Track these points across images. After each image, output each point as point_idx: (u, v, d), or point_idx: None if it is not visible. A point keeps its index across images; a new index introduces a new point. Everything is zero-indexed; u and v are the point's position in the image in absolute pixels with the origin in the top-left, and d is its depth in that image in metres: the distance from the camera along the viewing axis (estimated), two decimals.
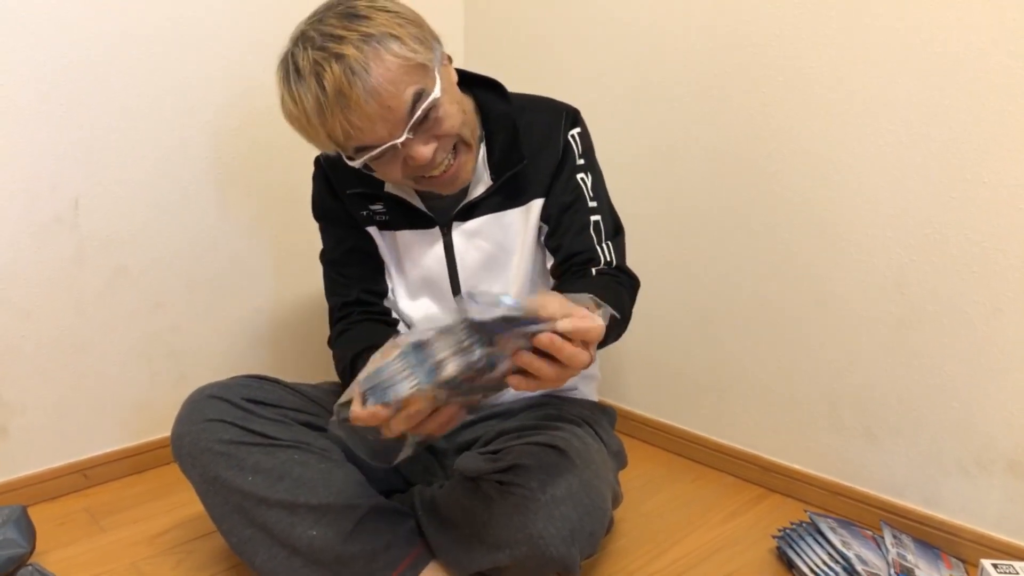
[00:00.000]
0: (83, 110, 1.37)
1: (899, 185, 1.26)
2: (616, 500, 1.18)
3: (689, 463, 1.61)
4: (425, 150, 1.01)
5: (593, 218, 1.15)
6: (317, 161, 1.23)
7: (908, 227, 1.26)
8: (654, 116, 1.55)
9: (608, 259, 1.14)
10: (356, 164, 1.04)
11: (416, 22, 1.02)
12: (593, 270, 1.11)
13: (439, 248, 1.17)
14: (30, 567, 1.15)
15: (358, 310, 1.20)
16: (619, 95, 1.59)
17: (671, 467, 1.60)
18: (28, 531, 1.18)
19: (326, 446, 1.13)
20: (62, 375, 1.43)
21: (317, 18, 1.00)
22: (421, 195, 1.17)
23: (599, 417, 1.25)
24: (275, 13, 1.54)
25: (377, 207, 1.18)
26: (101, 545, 1.31)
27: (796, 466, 1.47)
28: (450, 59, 1.08)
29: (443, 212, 1.16)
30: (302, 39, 0.99)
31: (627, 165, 1.60)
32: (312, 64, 0.96)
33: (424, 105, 0.98)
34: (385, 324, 1.21)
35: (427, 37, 1.02)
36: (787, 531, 1.27)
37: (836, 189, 1.32)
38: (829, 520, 1.27)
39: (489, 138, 1.14)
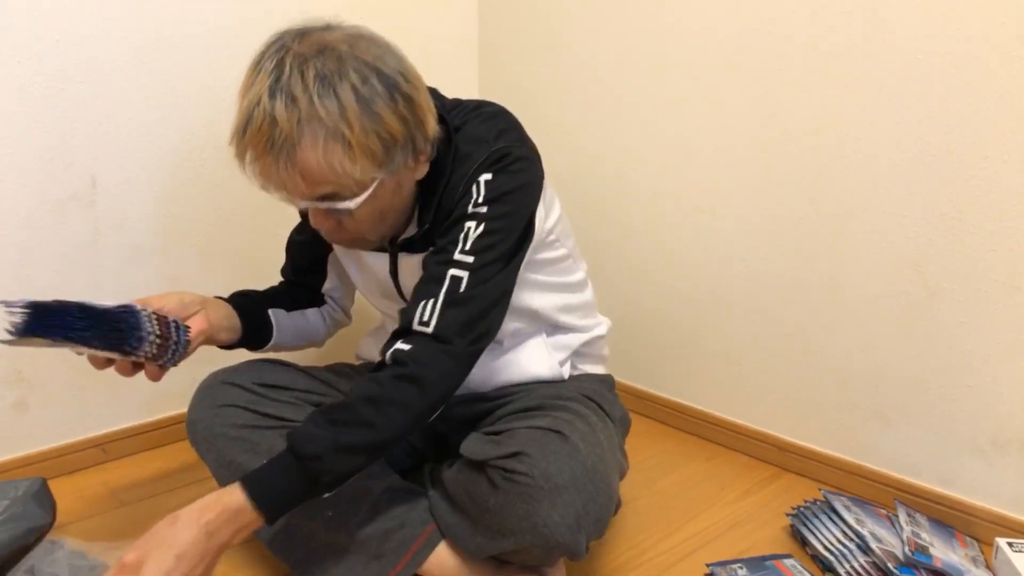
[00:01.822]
0: (100, 86, 1.37)
1: (917, 164, 1.24)
2: (622, 472, 1.17)
3: (703, 442, 1.61)
4: (316, 220, 0.98)
5: (451, 272, 0.98)
6: None
7: (926, 206, 1.24)
8: (668, 104, 1.53)
9: (423, 320, 0.96)
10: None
11: (389, 131, 0.89)
12: (387, 353, 0.96)
13: (386, 269, 1.14)
14: (51, 542, 1.16)
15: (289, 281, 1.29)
16: (628, 84, 1.58)
17: (685, 446, 1.60)
18: (48, 503, 1.20)
19: None
20: None
21: (314, 51, 0.87)
22: None
23: (601, 388, 1.23)
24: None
25: None
26: (120, 518, 1.32)
27: (811, 445, 1.47)
28: (427, 155, 0.98)
29: (393, 240, 1.11)
30: (279, 55, 0.87)
31: (642, 145, 1.59)
32: (257, 93, 0.87)
33: (331, 205, 0.93)
34: (296, 297, 1.26)
35: (391, 151, 0.91)
36: (801, 509, 1.27)
37: (853, 167, 1.31)
38: (843, 499, 1.27)
39: (424, 186, 1.04)
